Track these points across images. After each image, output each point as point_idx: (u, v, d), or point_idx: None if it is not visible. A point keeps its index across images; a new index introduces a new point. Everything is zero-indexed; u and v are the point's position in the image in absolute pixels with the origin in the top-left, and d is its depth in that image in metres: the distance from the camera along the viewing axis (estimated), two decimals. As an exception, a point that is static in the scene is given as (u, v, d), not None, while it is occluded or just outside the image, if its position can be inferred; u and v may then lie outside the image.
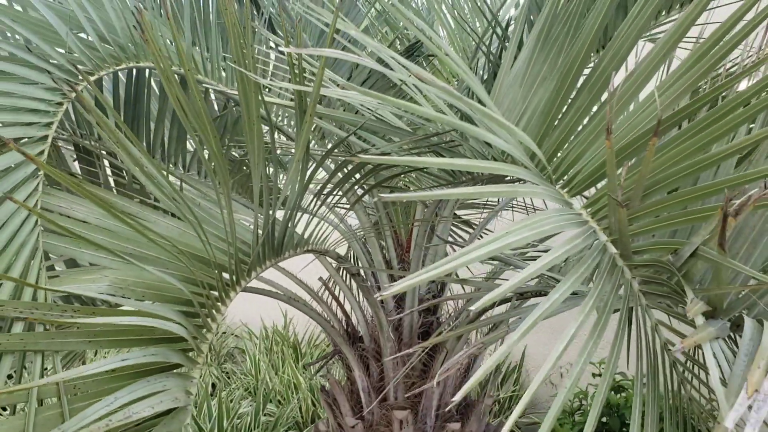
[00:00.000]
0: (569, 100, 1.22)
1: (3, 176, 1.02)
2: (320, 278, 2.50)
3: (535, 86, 1.35)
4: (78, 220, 1.16)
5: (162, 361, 0.97)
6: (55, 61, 1.19)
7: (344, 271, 2.31)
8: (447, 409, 2.10)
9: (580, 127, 1.20)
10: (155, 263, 1.21)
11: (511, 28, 1.81)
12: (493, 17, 1.73)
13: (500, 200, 2.42)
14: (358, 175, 1.66)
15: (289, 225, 1.43)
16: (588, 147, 1.17)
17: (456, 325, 1.90)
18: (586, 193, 1.20)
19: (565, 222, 1.02)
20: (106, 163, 1.59)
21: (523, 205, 2.62)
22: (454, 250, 2.49)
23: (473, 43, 1.97)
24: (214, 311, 1.19)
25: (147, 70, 1.78)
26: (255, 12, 2.16)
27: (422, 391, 2.07)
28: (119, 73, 1.73)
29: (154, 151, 1.93)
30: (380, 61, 1.87)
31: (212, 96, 2.14)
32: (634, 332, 1.09)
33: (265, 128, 1.66)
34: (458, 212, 2.42)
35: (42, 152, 1.08)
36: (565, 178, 1.20)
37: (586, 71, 1.21)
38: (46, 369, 1.02)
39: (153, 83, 1.95)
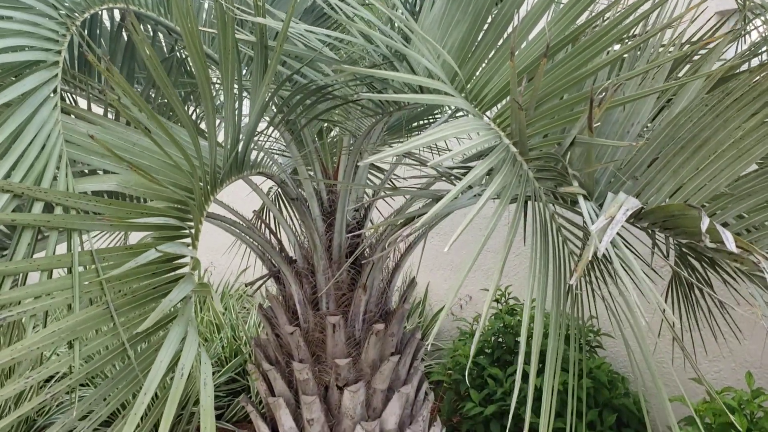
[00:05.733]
0: (479, 37, 1.56)
1: (31, 94, 1.24)
2: (254, 211, 2.77)
3: (450, 28, 1.68)
4: (83, 135, 1.39)
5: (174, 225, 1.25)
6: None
7: (279, 201, 2.58)
8: (372, 314, 2.44)
9: (488, 59, 1.55)
10: (149, 171, 1.46)
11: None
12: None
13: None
14: (296, 109, 1.95)
15: (249, 147, 1.71)
16: (495, 73, 1.51)
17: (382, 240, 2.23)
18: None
19: (478, 126, 1.37)
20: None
21: (437, 149, 2.97)
22: (375, 183, 2.81)
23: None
24: (200, 209, 1.46)
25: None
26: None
27: (351, 300, 2.40)
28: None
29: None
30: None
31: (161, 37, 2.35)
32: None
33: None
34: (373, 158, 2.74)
35: (56, 75, 1.30)
36: (478, 99, 1.55)
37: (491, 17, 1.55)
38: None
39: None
